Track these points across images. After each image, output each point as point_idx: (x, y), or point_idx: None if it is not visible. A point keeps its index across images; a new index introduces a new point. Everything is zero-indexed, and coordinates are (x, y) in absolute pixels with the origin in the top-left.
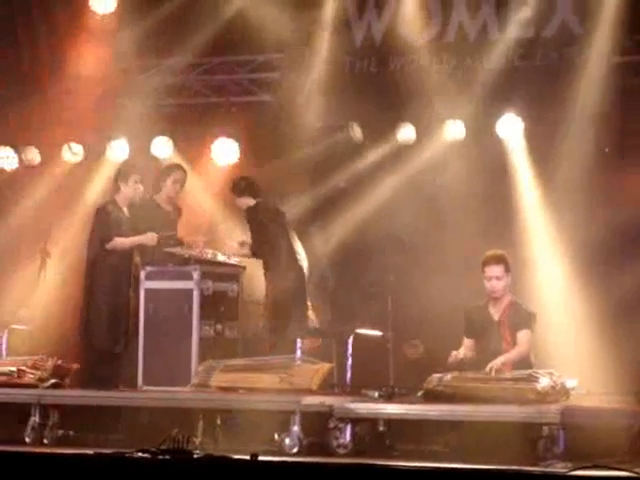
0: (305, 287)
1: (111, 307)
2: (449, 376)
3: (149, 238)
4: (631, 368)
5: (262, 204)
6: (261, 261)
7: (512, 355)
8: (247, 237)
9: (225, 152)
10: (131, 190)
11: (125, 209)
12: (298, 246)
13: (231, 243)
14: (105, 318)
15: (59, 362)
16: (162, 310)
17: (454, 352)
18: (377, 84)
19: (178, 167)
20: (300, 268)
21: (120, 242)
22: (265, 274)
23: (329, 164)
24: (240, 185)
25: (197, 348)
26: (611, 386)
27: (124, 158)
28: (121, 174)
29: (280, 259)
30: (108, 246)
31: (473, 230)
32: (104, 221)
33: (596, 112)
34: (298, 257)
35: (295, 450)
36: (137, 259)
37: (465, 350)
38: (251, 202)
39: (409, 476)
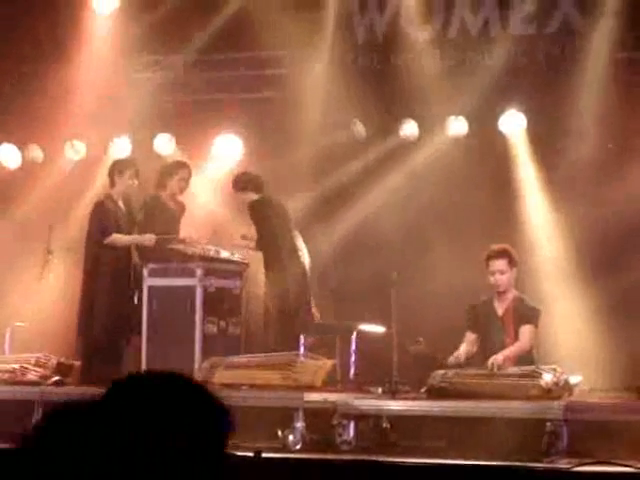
0: (307, 284)
1: (112, 304)
2: (452, 372)
3: (147, 239)
4: (634, 364)
5: (265, 199)
6: (263, 258)
7: (513, 350)
8: (249, 231)
9: (228, 149)
10: (126, 184)
11: (121, 203)
12: (300, 243)
13: (235, 236)
14: (106, 315)
15: (62, 360)
16: (165, 307)
17: (455, 353)
18: (379, 80)
19: (184, 165)
20: (302, 265)
21: (118, 238)
22: (265, 272)
23: (332, 161)
24: (241, 180)
25: (200, 345)
26: (614, 382)
27: (126, 155)
28: (116, 168)
29: (281, 256)
30: (106, 241)
31: (476, 226)
32: (101, 216)
33: (598, 108)
34: (300, 254)
35: (299, 447)
36: (136, 256)
37: (467, 345)
38: (254, 197)
39: (412, 472)
